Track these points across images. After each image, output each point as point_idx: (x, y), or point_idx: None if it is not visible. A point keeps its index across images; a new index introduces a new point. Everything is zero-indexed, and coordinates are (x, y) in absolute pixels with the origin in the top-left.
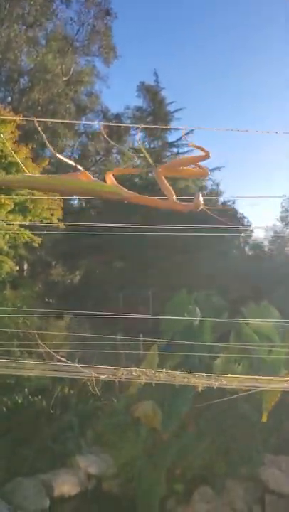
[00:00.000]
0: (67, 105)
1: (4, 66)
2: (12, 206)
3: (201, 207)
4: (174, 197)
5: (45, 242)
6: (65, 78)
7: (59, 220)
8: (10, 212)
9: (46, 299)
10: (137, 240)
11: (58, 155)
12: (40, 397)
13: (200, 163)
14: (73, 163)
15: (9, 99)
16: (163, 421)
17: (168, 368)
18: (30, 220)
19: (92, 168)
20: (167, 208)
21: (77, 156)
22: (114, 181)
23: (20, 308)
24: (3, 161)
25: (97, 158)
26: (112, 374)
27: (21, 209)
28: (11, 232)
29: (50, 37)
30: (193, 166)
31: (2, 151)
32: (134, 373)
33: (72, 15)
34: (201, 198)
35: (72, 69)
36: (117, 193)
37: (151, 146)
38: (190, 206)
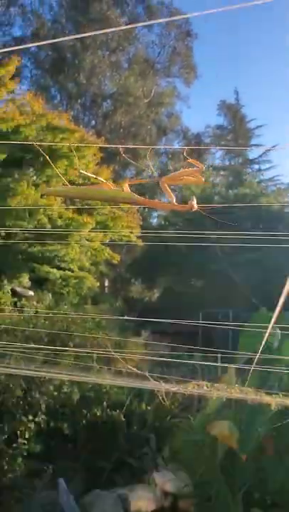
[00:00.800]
0: (148, 127)
1: (89, 91)
2: (94, 225)
3: (195, 208)
4: (174, 200)
5: (125, 259)
6: (146, 100)
7: (138, 237)
8: (91, 230)
9: (125, 315)
10: (216, 258)
11: (82, 171)
12: (118, 411)
13: (197, 174)
14: (96, 177)
15: (93, 122)
16: (240, 441)
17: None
18: (111, 238)
19: (172, 187)
20: (169, 209)
21: (156, 175)
22: (129, 189)
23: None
24: (86, 181)
25: None
26: (183, 387)
27: (102, 227)
28: (92, 249)
29: (132, 61)
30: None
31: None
32: (205, 388)
33: (154, 38)
34: (195, 202)
35: (153, 91)
36: (131, 198)
37: (232, 163)
38: (186, 207)
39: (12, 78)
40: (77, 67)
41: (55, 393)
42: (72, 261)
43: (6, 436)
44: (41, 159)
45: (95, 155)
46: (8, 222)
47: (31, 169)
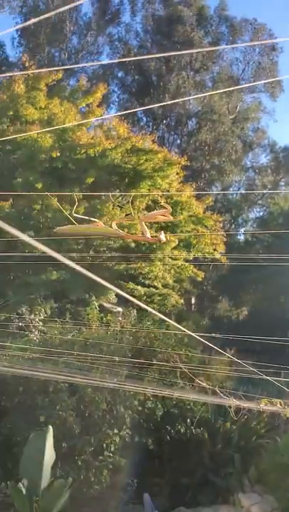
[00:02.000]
0: (234, 142)
1: (174, 111)
2: (176, 242)
3: (163, 240)
4: (148, 234)
5: (211, 276)
6: (231, 117)
7: (222, 254)
8: (174, 248)
9: (213, 334)
10: None
11: (74, 214)
12: (201, 429)
13: (167, 214)
14: (88, 218)
15: (178, 141)
16: None
17: None
18: (194, 256)
19: (259, 202)
20: (144, 241)
21: (243, 191)
22: (115, 226)
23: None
24: (169, 200)
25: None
26: (255, 404)
27: (185, 245)
28: (176, 267)
29: (217, 79)
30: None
31: (168, 191)
32: (278, 405)
33: (238, 55)
34: (162, 235)
35: (238, 107)
36: (116, 234)
37: None
38: (156, 239)
39: (100, 105)
40: (162, 89)
41: (140, 408)
42: (156, 278)
43: (92, 448)
44: (126, 181)
45: (177, 173)
46: (95, 242)
47: (117, 190)
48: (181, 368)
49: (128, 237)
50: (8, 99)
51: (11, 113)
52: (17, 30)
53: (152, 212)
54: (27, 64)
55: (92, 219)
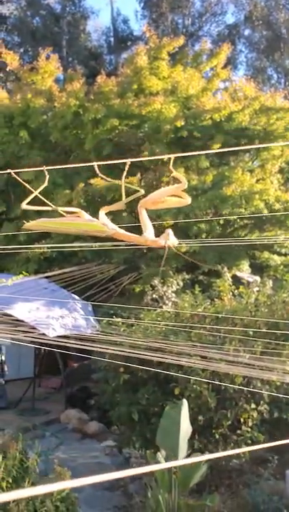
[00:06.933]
0: None
1: None
2: None
3: (171, 244)
4: (148, 232)
5: None
6: None
7: None
8: None
9: None
10: None
11: (60, 209)
12: None
13: (181, 193)
14: (68, 209)
15: None
16: None
17: None
18: None
19: None
20: (141, 244)
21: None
22: (104, 218)
23: None
24: None
25: None
26: None
27: None
28: None
29: None
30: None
31: None
32: None
33: None
34: (171, 234)
35: None
36: (102, 231)
37: None
38: (158, 243)
39: (225, 67)
40: None
41: (278, 383)
42: None
43: (229, 422)
44: (256, 143)
45: None
46: (225, 210)
47: (247, 154)
48: None
49: (119, 236)
50: (131, 73)
51: (135, 87)
52: (140, 3)
53: (158, 190)
54: (148, 34)
55: (72, 209)
